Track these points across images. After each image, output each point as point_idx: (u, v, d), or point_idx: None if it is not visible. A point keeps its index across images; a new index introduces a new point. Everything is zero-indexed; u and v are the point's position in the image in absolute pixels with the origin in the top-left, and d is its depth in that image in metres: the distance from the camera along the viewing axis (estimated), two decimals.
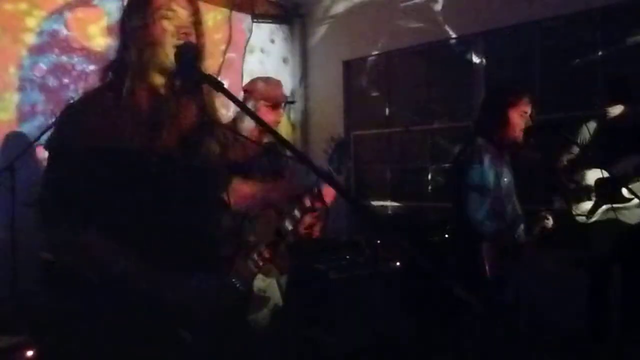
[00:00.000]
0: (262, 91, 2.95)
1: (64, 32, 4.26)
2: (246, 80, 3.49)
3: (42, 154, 4.13)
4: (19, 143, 3.97)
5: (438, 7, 5.02)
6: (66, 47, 4.28)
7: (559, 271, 4.02)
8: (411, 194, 5.56)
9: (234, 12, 5.52)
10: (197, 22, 1.63)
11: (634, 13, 4.07)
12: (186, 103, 1.63)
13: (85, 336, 1.56)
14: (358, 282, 3.99)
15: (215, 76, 1.56)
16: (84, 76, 4.35)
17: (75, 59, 4.32)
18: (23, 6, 4.08)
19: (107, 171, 1.51)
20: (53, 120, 3.53)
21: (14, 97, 4.07)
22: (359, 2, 5.59)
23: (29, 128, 4.10)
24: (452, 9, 4.94)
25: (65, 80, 4.27)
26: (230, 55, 5.51)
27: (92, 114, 1.54)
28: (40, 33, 4.13)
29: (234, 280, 1.79)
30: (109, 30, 4.45)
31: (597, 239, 3.61)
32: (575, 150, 3.67)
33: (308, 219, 2.78)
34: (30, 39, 4.08)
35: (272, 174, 2.93)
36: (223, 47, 5.27)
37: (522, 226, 3.06)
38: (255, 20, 5.75)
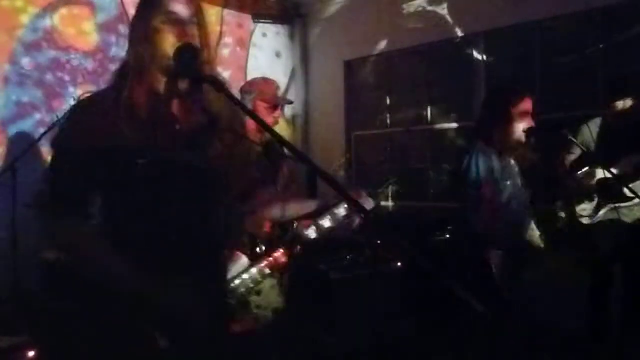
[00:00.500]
0: (260, 92, 2.95)
1: (59, 28, 4.25)
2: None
3: (44, 154, 4.17)
4: (21, 143, 3.98)
5: (439, 7, 5.02)
6: (60, 43, 4.27)
7: (560, 271, 4.01)
8: (412, 194, 5.55)
9: (235, 12, 5.55)
10: (200, 23, 1.62)
11: (634, 13, 4.07)
12: (187, 104, 1.63)
13: (83, 336, 1.56)
14: (359, 282, 3.99)
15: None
16: (79, 72, 4.35)
17: (71, 55, 4.32)
18: (19, 3, 4.08)
19: (107, 171, 1.51)
20: (55, 119, 3.57)
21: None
22: (360, 2, 5.59)
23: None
24: (453, 10, 4.94)
25: (62, 77, 4.27)
26: (235, 54, 5.56)
27: (96, 114, 1.55)
28: (34, 30, 4.12)
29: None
30: (103, 26, 4.47)
31: (600, 239, 3.60)
32: (577, 150, 3.66)
33: (307, 223, 2.79)
34: (24, 35, 4.07)
35: (273, 174, 2.93)
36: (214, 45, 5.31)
37: (533, 228, 3.04)
38: (256, 20, 5.76)
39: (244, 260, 2.51)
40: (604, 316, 3.63)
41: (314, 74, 6.12)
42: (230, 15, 5.55)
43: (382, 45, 5.52)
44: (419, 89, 5.53)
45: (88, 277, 1.56)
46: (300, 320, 3.49)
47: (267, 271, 2.47)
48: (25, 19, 4.08)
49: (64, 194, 1.54)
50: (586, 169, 3.59)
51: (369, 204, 2.45)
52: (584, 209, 3.61)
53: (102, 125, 1.52)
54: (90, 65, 4.39)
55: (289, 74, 6.06)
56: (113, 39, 4.50)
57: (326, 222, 2.27)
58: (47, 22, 4.17)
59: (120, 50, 4.53)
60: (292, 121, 6.06)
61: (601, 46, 4.32)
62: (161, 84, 1.59)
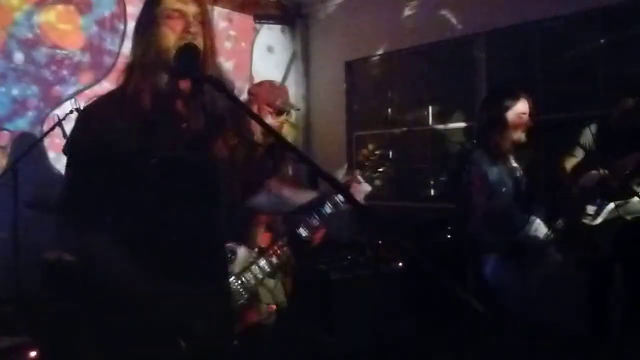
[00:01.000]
0: (267, 96, 2.94)
1: (55, 24, 4.25)
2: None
3: (45, 154, 4.17)
4: (22, 143, 3.98)
5: (440, 7, 5.02)
6: (56, 39, 4.26)
7: (560, 271, 4.01)
8: (413, 194, 5.56)
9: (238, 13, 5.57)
10: (204, 21, 1.62)
11: (635, 13, 4.07)
12: (190, 103, 1.64)
13: (85, 337, 1.56)
14: (359, 282, 3.99)
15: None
16: (76, 68, 4.35)
17: (67, 51, 4.32)
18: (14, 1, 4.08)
19: (113, 173, 1.53)
20: (56, 121, 3.57)
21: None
22: (361, 3, 5.59)
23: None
24: (454, 10, 4.94)
25: (58, 73, 4.26)
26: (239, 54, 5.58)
27: (102, 117, 1.56)
28: (30, 25, 4.11)
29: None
30: (99, 22, 4.46)
31: (603, 239, 3.58)
32: (579, 151, 3.66)
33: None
34: (18, 30, 4.07)
35: (275, 174, 2.94)
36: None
37: (537, 229, 3.03)
38: (257, 20, 5.76)
39: (246, 253, 2.53)
40: (605, 316, 3.63)
41: (314, 74, 6.12)
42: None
43: (383, 45, 5.52)
44: (420, 89, 5.53)
45: (102, 281, 1.56)
46: (300, 320, 3.49)
47: (275, 260, 2.46)
48: (19, 14, 4.06)
49: (80, 199, 1.55)
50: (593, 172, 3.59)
51: (365, 188, 2.46)
52: (587, 210, 3.60)
53: (111, 127, 1.53)
54: (86, 61, 4.38)
55: (282, 68, 6.02)
56: (110, 35, 4.49)
57: (327, 209, 2.28)
58: (42, 18, 4.16)
59: (116, 47, 4.54)
60: (296, 124, 6.05)
61: (602, 44, 4.32)
62: (164, 82, 1.60)
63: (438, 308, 3.22)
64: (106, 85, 4.24)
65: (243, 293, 2.41)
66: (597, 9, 4.20)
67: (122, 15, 4.59)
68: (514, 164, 3.09)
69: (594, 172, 3.56)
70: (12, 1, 4.04)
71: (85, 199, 1.55)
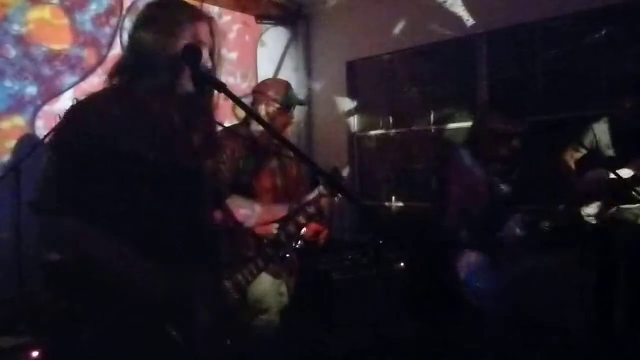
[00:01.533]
0: (274, 93, 2.94)
1: (52, 21, 4.24)
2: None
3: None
4: (25, 144, 3.99)
5: (442, 7, 5.02)
6: (55, 35, 4.25)
7: (561, 271, 4.01)
8: (414, 194, 5.56)
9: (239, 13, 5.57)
10: (212, 32, 1.66)
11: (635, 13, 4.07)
12: (192, 107, 1.66)
13: (87, 336, 1.57)
14: (362, 282, 3.99)
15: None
16: (77, 64, 4.34)
17: (66, 47, 4.31)
18: None
19: (108, 171, 1.53)
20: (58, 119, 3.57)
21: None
22: (362, 3, 5.59)
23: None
24: (455, 10, 4.94)
25: (55, 69, 4.25)
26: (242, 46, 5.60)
27: (96, 116, 1.56)
28: (25, 22, 4.09)
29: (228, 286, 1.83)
30: (97, 18, 4.45)
31: (607, 239, 3.58)
32: (583, 151, 3.65)
33: (314, 226, 2.81)
34: (12, 26, 4.04)
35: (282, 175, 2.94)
36: None
37: (511, 228, 3.11)
38: (259, 21, 5.76)
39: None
40: (609, 316, 3.62)
41: (316, 75, 6.12)
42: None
43: (385, 45, 5.52)
44: (421, 89, 5.53)
45: (94, 277, 1.56)
46: (302, 320, 3.50)
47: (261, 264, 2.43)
48: (12, 10, 4.03)
49: (67, 196, 1.54)
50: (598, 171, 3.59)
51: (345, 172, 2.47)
52: (591, 210, 3.60)
53: (102, 126, 1.53)
54: (82, 58, 4.37)
55: (275, 62, 5.98)
56: (107, 30, 4.49)
57: (311, 210, 2.30)
58: (36, 14, 4.15)
59: (113, 41, 4.53)
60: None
61: (602, 44, 4.31)
62: (168, 83, 1.61)
63: (439, 308, 3.22)
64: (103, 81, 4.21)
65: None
66: (598, 9, 4.20)
67: (119, 10, 4.58)
68: (497, 166, 3.18)
69: (598, 170, 3.56)
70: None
71: (78, 196, 1.53)
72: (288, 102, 2.95)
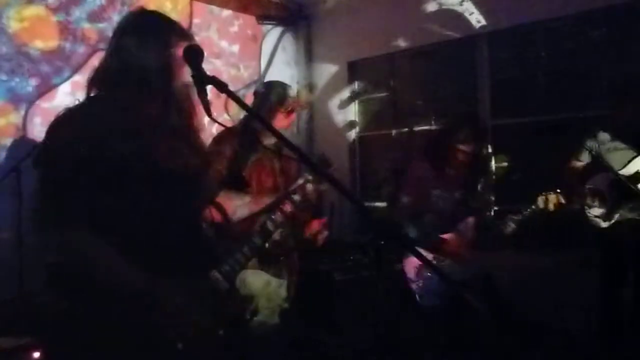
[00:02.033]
0: (277, 97, 2.95)
1: (46, 17, 4.23)
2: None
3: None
4: (26, 144, 3.99)
5: (442, 7, 5.02)
6: (52, 31, 4.25)
7: (562, 271, 4.01)
8: None
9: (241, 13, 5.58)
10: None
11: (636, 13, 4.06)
12: (180, 113, 1.67)
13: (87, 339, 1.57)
14: (362, 283, 3.99)
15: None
16: (67, 61, 4.33)
17: (66, 44, 4.30)
18: None
19: (100, 177, 1.53)
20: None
21: None
22: (363, 3, 5.59)
23: None
24: (456, 10, 4.94)
25: (52, 67, 4.24)
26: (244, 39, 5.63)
27: (83, 126, 1.57)
28: (21, 19, 4.08)
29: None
30: (93, 15, 4.45)
31: (615, 240, 3.57)
32: (585, 153, 3.65)
33: (316, 225, 2.81)
34: (8, 24, 4.04)
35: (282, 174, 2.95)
36: None
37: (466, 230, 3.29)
38: (260, 22, 5.76)
39: None
40: (615, 316, 3.60)
41: (317, 75, 6.12)
42: None
43: (386, 45, 5.52)
44: (422, 90, 5.52)
45: (94, 283, 1.57)
46: (304, 320, 3.50)
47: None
48: (8, 7, 4.02)
49: (62, 207, 1.53)
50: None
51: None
52: (597, 211, 3.59)
53: (91, 135, 1.54)
54: (78, 54, 4.36)
55: (265, 57, 5.96)
56: (104, 26, 4.48)
57: (296, 197, 2.28)
58: (31, 12, 4.14)
59: (107, 40, 4.49)
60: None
61: (602, 44, 4.31)
62: (155, 90, 1.63)
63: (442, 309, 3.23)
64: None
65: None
66: (599, 9, 4.19)
67: (114, 6, 4.58)
68: (452, 174, 3.31)
69: (603, 173, 3.56)
70: None
71: (61, 203, 1.53)
72: (290, 105, 2.97)
